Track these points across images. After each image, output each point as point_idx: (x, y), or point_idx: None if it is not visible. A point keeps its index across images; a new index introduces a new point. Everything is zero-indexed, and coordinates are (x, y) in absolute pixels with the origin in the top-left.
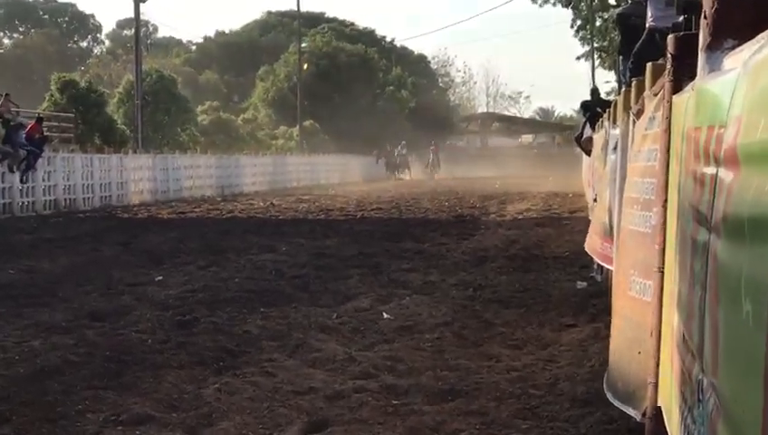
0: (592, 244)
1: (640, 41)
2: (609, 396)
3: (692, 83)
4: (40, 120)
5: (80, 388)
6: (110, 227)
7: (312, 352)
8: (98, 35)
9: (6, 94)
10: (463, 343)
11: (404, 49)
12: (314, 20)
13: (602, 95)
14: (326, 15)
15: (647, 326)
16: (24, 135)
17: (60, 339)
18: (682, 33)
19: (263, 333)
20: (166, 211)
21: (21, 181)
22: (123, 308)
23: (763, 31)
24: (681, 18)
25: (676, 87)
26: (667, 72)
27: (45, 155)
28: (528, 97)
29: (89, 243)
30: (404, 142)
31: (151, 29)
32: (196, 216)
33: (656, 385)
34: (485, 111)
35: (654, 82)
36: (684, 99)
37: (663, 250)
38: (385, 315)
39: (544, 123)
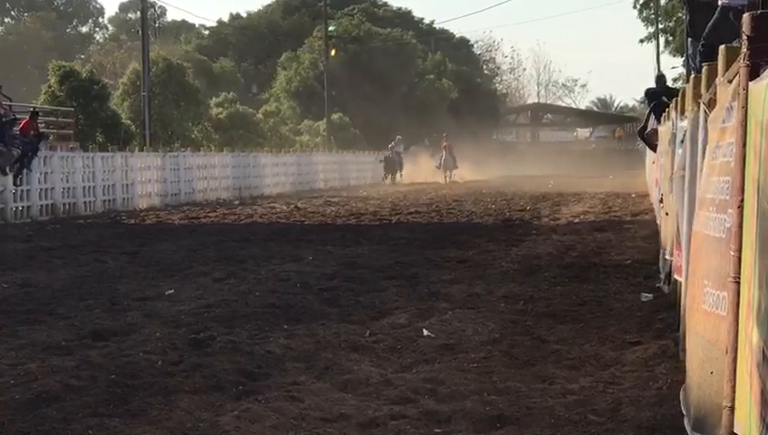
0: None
1: (712, 21)
2: (685, 422)
3: None
4: (35, 114)
5: (82, 416)
6: (115, 234)
7: (342, 375)
8: (100, 19)
9: None
10: (512, 362)
11: (444, 32)
12: (342, 0)
13: (669, 83)
14: None
15: (720, 344)
16: (17, 132)
17: (59, 361)
18: (759, 12)
19: (287, 353)
20: (177, 217)
21: (14, 184)
22: (130, 326)
23: None
24: None
25: (753, 73)
26: (742, 55)
27: (41, 154)
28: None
29: (91, 253)
30: (399, 137)
31: (159, 12)
32: (210, 221)
33: (731, 410)
34: (536, 101)
35: (727, 67)
36: (762, 86)
37: (739, 257)
38: (425, 332)
39: (603, 115)
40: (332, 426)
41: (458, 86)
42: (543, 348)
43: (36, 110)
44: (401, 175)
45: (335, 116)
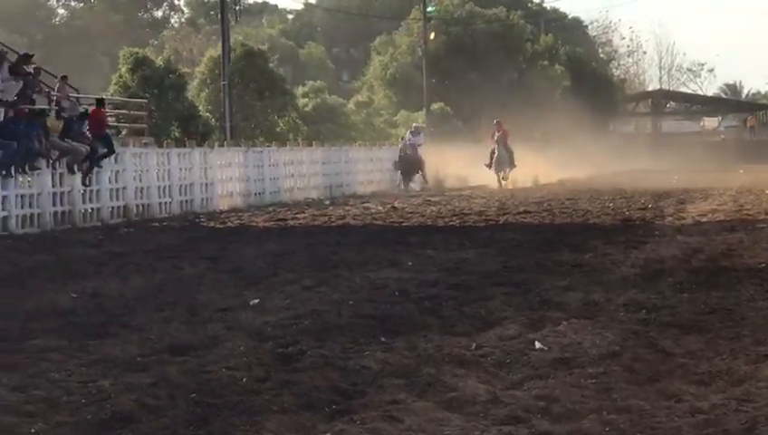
0: None
1: None
2: None
3: None
4: (100, 102)
5: None
6: (194, 238)
7: (446, 392)
8: (175, 2)
9: (63, 77)
10: (635, 378)
11: (555, 12)
12: None
13: None
14: None
15: None
16: (86, 126)
17: (134, 378)
18: None
19: (385, 368)
20: (261, 218)
21: (83, 184)
22: (211, 339)
23: None
24: None
25: None
26: None
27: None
28: (711, 70)
29: (167, 258)
30: (417, 126)
31: None
32: (298, 223)
33: None
34: (657, 88)
35: None
36: None
37: None
38: (537, 345)
39: (732, 102)
40: None
41: (571, 72)
42: (669, 362)
43: (102, 98)
44: (424, 178)
45: (435, 106)
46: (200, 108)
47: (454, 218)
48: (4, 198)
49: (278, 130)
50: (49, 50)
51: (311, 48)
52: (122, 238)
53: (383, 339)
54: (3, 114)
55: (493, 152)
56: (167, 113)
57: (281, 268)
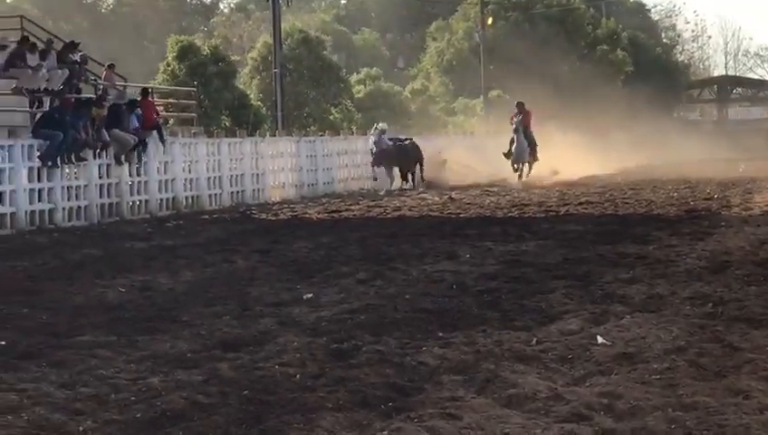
0: None
1: None
2: None
3: None
4: (145, 92)
5: None
6: (245, 230)
7: (506, 388)
8: None
9: (110, 65)
10: (701, 374)
11: None
12: None
13: None
14: None
15: None
16: (137, 117)
17: (185, 375)
18: None
19: (442, 364)
20: (314, 210)
21: (131, 175)
22: (264, 335)
23: None
24: None
25: None
26: None
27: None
28: None
29: (218, 252)
30: (381, 126)
31: None
32: (353, 215)
33: None
34: (723, 73)
35: None
36: None
37: None
38: (599, 340)
39: None
40: None
41: (634, 57)
42: (736, 357)
43: (149, 89)
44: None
45: (493, 93)
46: (251, 96)
47: (513, 209)
48: (51, 190)
49: (332, 118)
50: (95, 38)
51: (365, 34)
52: (171, 231)
53: (440, 334)
54: (49, 104)
55: (512, 141)
56: (216, 102)
57: (335, 261)
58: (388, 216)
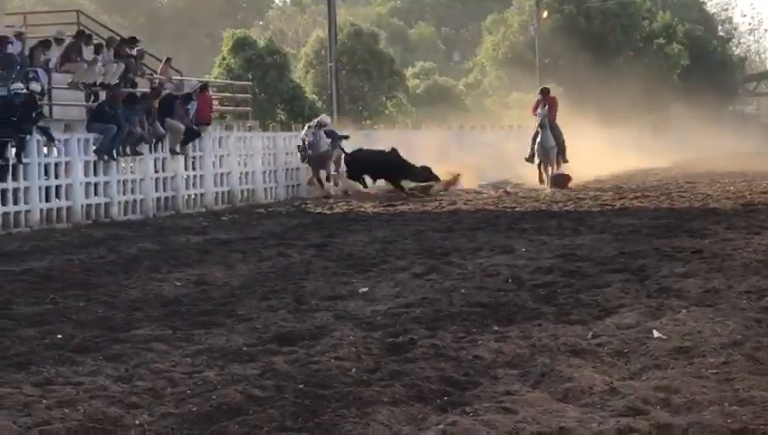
0: None
1: None
2: None
3: None
4: (204, 86)
5: (267, 430)
6: (300, 224)
7: (562, 382)
8: None
9: (167, 59)
10: (757, 368)
11: None
12: None
13: None
14: None
15: None
16: (193, 109)
17: (240, 368)
18: None
19: (498, 358)
20: (369, 204)
21: (187, 169)
22: (319, 329)
23: None
24: None
25: None
26: None
27: (215, 135)
28: None
29: (273, 246)
30: (321, 118)
31: None
32: (408, 209)
33: None
34: None
35: None
36: None
37: None
38: (655, 334)
39: None
40: None
41: (690, 51)
42: None
43: (205, 83)
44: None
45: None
46: (306, 89)
47: (569, 203)
48: (107, 183)
49: (386, 112)
50: (151, 32)
51: (421, 28)
52: (227, 225)
53: (496, 328)
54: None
55: (535, 136)
56: (271, 96)
57: (390, 255)
58: (444, 210)
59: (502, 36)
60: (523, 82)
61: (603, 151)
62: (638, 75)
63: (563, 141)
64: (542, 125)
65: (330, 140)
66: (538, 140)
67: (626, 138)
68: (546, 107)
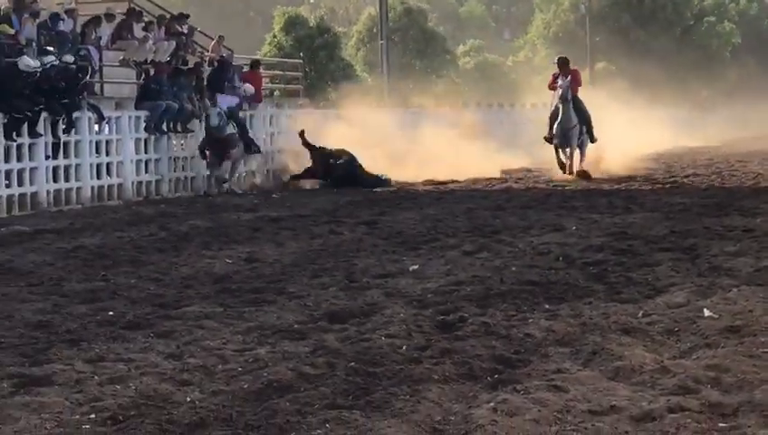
0: None
1: None
2: None
3: None
4: (256, 64)
5: (318, 408)
6: (351, 202)
7: (612, 361)
8: None
9: (220, 37)
10: None
11: None
12: None
13: None
14: None
15: None
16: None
17: (291, 346)
18: None
19: (548, 336)
20: (420, 181)
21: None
22: (370, 306)
23: None
24: None
25: None
26: None
27: (266, 113)
28: None
29: (324, 223)
30: (219, 100)
31: None
32: (459, 187)
33: None
34: None
35: None
36: None
37: None
38: (706, 313)
39: None
40: (602, 420)
41: (742, 29)
42: None
43: (258, 60)
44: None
45: (599, 65)
46: (357, 68)
47: (620, 182)
48: (157, 160)
49: (437, 89)
50: (201, 9)
51: (471, 6)
52: (277, 203)
53: (547, 306)
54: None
55: (554, 114)
56: (322, 74)
57: (441, 233)
58: (494, 188)
59: (552, 14)
60: (574, 60)
61: (653, 130)
62: (689, 53)
63: (590, 118)
64: (563, 98)
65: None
66: (559, 117)
67: (676, 116)
68: (568, 79)
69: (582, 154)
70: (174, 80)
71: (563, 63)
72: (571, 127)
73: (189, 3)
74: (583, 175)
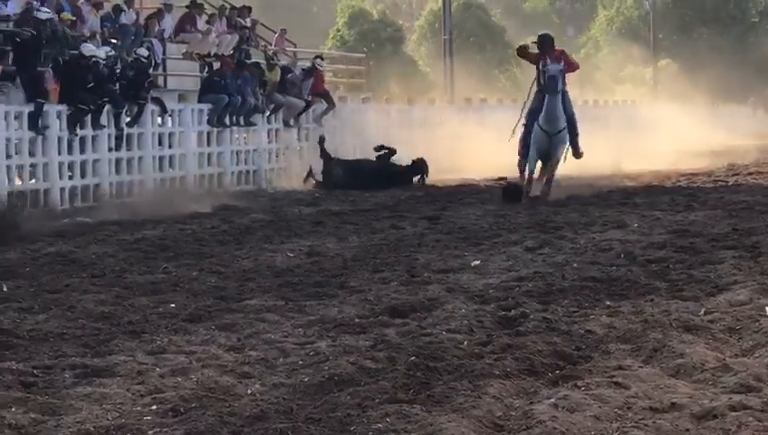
0: None
1: None
2: None
3: None
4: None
5: (378, 402)
6: (413, 197)
7: (674, 358)
8: None
9: (282, 30)
10: None
11: None
12: None
13: None
14: None
15: None
16: (310, 85)
17: (352, 340)
18: None
19: (610, 332)
20: (481, 177)
21: (299, 140)
22: (431, 301)
23: None
24: None
25: None
26: None
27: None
28: None
29: (386, 218)
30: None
31: None
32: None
33: None
34: None
35: None
36: None
37: None
38: None
39: None
40: (663, 417)
41: None
42: None
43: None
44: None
45: (663, 62)
46: (420, 63)
47: (681, 179)
48: (220, 154)
49: (499, 85)
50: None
51: (534, 1)
52: (339, 197)
53: (608, 303)
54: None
55: (536, 109)
56: (385, 68)
57: (502, 229)
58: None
59: (616, 11)
60: (638, 57)
61: (715, 128)
62: (753, 51)
63: (576, 123)
64: (551, 88)
65: None
66: (542, 114)
67: (739, 114)
68: (562, 63)
69: (554, 169)
70: (238, 73)
71: (545, 43)
72: (558, 131)
73: None
74: (543, 198)
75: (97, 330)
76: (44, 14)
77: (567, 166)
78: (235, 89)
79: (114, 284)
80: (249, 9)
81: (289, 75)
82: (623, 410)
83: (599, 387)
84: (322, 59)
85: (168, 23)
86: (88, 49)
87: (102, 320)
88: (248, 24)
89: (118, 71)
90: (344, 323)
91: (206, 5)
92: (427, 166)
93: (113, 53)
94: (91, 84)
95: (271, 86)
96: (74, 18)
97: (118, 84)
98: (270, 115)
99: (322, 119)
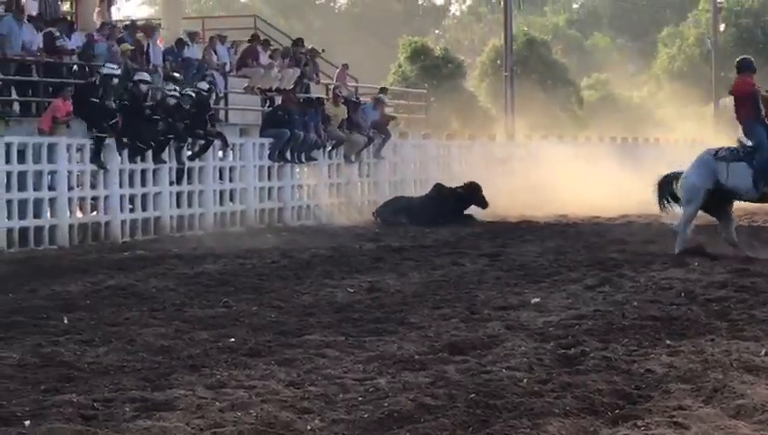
0: None
1: None
2: None
3: None
4: (383, 90)
5: None
6: (473, 233)
7: (734, 399)
8: None
9: (344, 65)
10: None
11: None
12: None
13: None
14: None
15: None
16: (371, 118)
17: (412, 376)
18: None
19: (670, 372)
20: (541, 214)
21: (360, 176)
22: (491, 338)
23: None
24: None
25: None
26: None
27: (390, 142)
28: None
29: (446, 254)
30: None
31: None
32: (581, 220)
33: None
34: None
35: None
36: None
37: None
38: None
39: None
40: None
41: None
42: None
43: (385, 87)
44: None
45: (725, 100)
46: (480, 98)
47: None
48: (280, 189)
49: (560, 122)
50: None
51: (596, 38)
52: (400, 232)
53: (668, 342)
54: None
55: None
56: (445, 103)
57: (562, 266)
58: (617, 222)
59: (677, 49)
60: (699, 96)
61: None
62: None
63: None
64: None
65: None
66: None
67: None
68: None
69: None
70: (302, 109)
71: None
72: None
73: (314, 31)
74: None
75: (157, 363)
76: (108, 69)
77: None
78: (300, 124)
79: (174, 317)
80: (301, 42)
81: (356, 111)
82: None
83: (658, 427)
84: (386, 92)
85: (224, 54)
86: (140, 78)
87: (162, 353)
88: (308, 60)
89: (186, 107)
90: (404, 359)
91: (270, 41)
92: (481, 190)
93: (177, 90)
94: (154, 118)
95: (334, 121)
96: (133, 48)
97: (180, 119)
98: (331, 150)
99: (381, 152)
